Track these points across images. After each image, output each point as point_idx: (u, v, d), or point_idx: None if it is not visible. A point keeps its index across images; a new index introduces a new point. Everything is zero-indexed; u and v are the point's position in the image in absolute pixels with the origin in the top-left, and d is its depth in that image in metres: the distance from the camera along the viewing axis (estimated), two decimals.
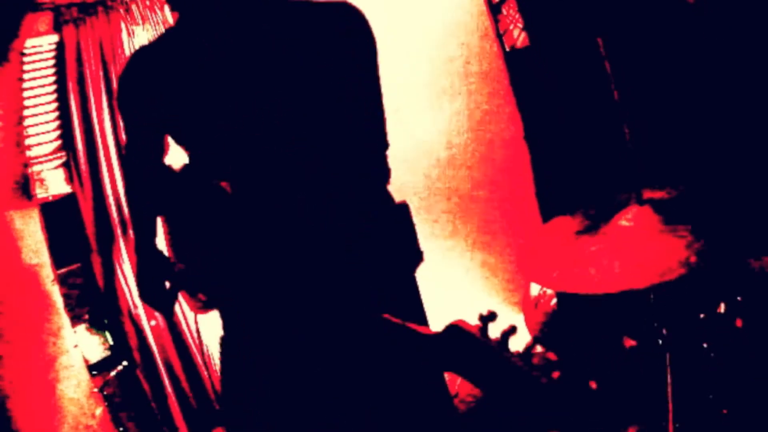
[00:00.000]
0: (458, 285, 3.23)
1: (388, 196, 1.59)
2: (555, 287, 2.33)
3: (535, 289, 3.30)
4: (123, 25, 3.25)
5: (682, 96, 2.77)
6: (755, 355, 2.04)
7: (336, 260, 1.44)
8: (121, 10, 3.25)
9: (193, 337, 2.91)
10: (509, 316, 3.39)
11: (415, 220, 1.82)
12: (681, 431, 1.97)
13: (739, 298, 2.13)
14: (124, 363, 2.70)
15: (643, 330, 2.56)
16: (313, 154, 1.45)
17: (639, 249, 1.95)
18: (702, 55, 2.67)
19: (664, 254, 1.89)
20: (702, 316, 2.21)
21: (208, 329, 3.01)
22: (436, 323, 2.24)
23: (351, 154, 1.47)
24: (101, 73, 3.11)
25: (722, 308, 2.18)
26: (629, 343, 2.72)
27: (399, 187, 1.72)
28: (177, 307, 2.91)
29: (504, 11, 3.28)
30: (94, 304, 2.81)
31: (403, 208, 1.67)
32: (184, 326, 2.91)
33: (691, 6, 2.66)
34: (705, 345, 2.15)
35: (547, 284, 2.26)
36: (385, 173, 1.54)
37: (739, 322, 2.14)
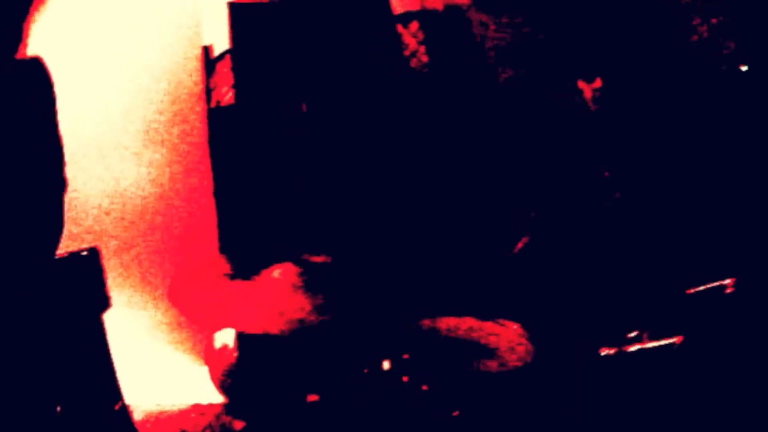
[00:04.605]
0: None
1: None
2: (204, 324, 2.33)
3: (218, 341, 3.19)
4: None
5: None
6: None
7: None
8: None
9: None
10: (194, 368, 3.19)
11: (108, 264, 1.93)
12: None
13: (405, 356, 2.26)
14: None
15: (327, 382, 2.68)
16: None
17: (279, 300, 2.12)
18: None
19: (293, 309, 2.07)
20: (366, 371, 2.31)
21: None
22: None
23: None
24: None
25: (386, 365, 2.29)
26: (312, 398, 2.80)
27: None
28: None
29: (218, 69, 3.31)
30: None
31: None
32: None
33: None
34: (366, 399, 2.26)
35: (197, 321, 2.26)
36: None
37: (405, 378, 2.28)
